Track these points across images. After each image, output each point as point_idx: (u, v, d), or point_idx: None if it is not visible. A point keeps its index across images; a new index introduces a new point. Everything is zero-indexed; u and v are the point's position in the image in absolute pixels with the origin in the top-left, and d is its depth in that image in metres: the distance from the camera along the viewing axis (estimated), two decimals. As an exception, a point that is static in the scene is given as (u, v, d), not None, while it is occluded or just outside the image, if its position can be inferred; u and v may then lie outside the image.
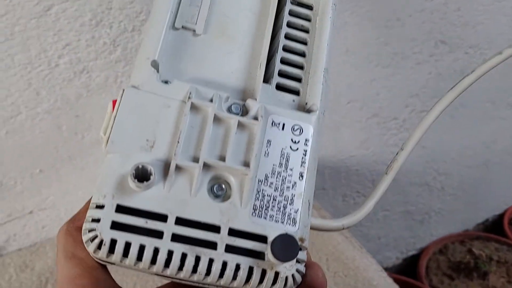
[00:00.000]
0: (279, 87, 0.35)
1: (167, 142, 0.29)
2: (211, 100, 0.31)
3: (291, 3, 0.38)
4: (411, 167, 1.07)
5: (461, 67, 0.95)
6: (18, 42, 0.57)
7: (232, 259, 0.28)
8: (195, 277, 0.28)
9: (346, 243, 0.61)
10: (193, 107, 0.31)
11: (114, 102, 0.30)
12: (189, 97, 0.31)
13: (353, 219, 0.40)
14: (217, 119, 0.31)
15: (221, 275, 0.28)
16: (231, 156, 0.30)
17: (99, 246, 0.27)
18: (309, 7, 0.38)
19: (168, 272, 0.27)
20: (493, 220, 1.34)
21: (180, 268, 0.27)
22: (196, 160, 0.29)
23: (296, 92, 0.35)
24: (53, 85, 0.62)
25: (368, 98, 0.89)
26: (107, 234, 0.27)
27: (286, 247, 0.27)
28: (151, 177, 0.28)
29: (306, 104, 0.34)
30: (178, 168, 0.29)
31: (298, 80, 0.35)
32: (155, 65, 0.32)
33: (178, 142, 0.29)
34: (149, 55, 0.32)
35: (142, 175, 0.28)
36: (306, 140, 0.32)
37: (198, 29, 0.35)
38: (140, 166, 0.28)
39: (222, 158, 0.30)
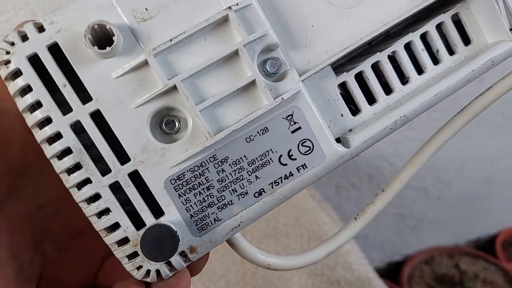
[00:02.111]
0: (343, 90, 0.27)
1: (165, 28, 0.23)
2: (252, 33, 0.23)
3: (449, 15, 0.27)
4: (411, 168, 1.03)
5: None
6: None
7: (108, 200, 0.23)
8: (61, 176, 0.23)
9: (332, 224, 0.58)
10: (224, 23, 0.23)
11: None
12: (237, 6, 0.23)
13: (287, 262, 0.29)
14: (235, 58, 0.24)
15: (87, 202, 0.23)
16: (213, 108, 0.24)
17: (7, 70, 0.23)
18: (467, 39, 0.28)
19: (44, 149, 0.23)
20: (485, 240, 1.31)
21: (58, 157, 0.23)
22: (173, 75, 0.23)
23: (353, 111, 0.27)
24: (51, 9, 0.59)
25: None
26: (19, 62, 0.22)
27: (160, 245, 0.23)
28: (112, 47, 0.22)
29: (348, 132, 0.26)
30: (145, 64, 0.23)
31: (370, 102, 0.27)
32: None
33: (171, 40, 0.23)
34: None
35: (104, 37, 0.22)
36: (304, 166, 0.25)
37: None
38: (108, 27, 0.22)
39: (201, 100, 0.23)
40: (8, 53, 0.22)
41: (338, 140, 0.26)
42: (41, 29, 0.22)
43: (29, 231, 0.27)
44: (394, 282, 1.14)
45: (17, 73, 0.23)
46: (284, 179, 0.25)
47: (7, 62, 0.22)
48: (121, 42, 0.22)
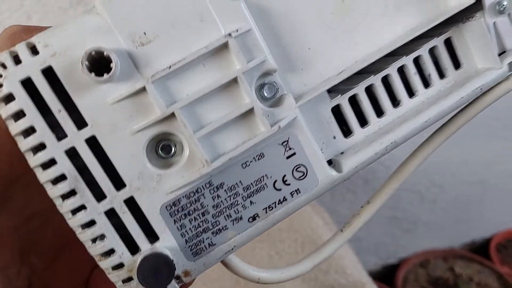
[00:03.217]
0: (337, 112, 0.26)
1: (164, 53, 0.22)
2: (251, 60, 0.23)
3: (442, 39, 0.27)
4: (406, 171, 1.03)
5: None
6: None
7: (103, 226, 0.23)
8: (55, 201, 0.22)
9: (326, 228, 0.58)
10: (223, 49, 0.23)
11: None
12: (236, 32, 0.22)
13: (276, 275, 0.29)
14: (233, 85, 0.23)
15: (82, 227, 0.23)
16: (210, 135, 0.23)
17: None
18: (457, 63, 0.28)
19: (37, 174, 0.22)
20: (479, 243, 1.31)
21: (52, 182, 0.22)
22: (171, 102, 0.22)
23: (345, 133, 0.26)
24: (46, 11, 0.59)
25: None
26: (11, 86, 0.21)
27: (156, 273, 0.22)
28: (110, 74, 0.21)
29: (340, 154, 0.26)
30: (143, 91, 0.22)
31: (362, 124, 0.27)
32: None
33: (170, 67, 0.22)
34: None
35: (101, 62, 0.21)
36: (297, 191, 0.25)
37: None
38: (106, 54, 0.21)
39: (198, 127, 0.23)
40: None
41: (329, 162, 0.26)
42: (34, 50, 0.21)
43: (16, 243, 0.27)
44: (389, 285, 1.14)
45: (9, 97, 0.21)
46: (278, 204, 0.25)
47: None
48: (119, 68, 0.21)
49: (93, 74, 0.21)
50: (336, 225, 0.63)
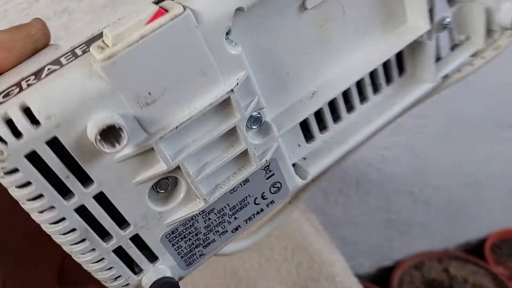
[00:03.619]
0: (304, 128, 0.28)
1: (169, 110, 0.21)
2: (248, 105, 0.24)
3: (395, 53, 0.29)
4: (398, 173, 1.03)
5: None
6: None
7: (112, 261, 0.24)
8: (64, 247, 0.23)
9: (316, 235, 0.58)
10: (226, 104, 0.23)
11: (160, 12, 0.20)
12: (237, 85, 0.22)
13: (233, 247, 0.32)
14: (231, 130, 0.24)
15: (91, 262, 0.24)
16: (208, 176, 0.24)
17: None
18: (402, 69, 0.30)
19: (45, 229, 0.22)
20: (474, 243, 1.31)
21: (63, 234, 0.22)
22: (175, 154, 0.23)
23: (306, 137, 0.29)
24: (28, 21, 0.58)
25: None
26: (16, 162, 0.20)
27: None
28: (123, 144, 0.20)
29: (302, 160, 0.28)
30: (150, 150, 0.22)
31: (320, 129, 0.29)
32: (237, 13, 0.22)
33: (177, 128, 0.22)
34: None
35: (109, 131, 0.20)
36: (272, 202, 0.28)
37: (309, 3, 0.24)
38: (117, 127, 0.19)
39: (198, 171, 0.24)
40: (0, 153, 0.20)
41: (293, 164, 0.28)
42: (33, 118, 0.19)
43: None
44: (384, 288, 1.14)
45: (14, 170, 0.20)
46: (256, 214, 0.28)
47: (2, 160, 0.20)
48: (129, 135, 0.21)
49: (106, 147, 0.19)
50: (327, 230, 0.62)
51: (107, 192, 0.22)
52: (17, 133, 0.19)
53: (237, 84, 0.22)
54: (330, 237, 0.63)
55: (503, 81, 0.96)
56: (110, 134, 0.20)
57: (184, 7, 0.19)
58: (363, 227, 1.13)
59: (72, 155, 0.20)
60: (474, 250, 1.28)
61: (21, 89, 0.20)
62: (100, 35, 0.22)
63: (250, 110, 0.24)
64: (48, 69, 0.21)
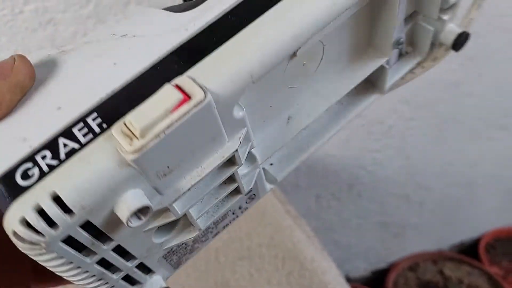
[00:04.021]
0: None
1: (183, 176, 0.22)
2: (245, 152, 0.25)
3: None
4: (391, 176, 1.03)
5: (456, 78, 0.91)
6: (-22, -22, 0.52)
7: (119, 286, 0.26)
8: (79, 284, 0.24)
9: (307, 242, 0.57)
10: (231, 163, 0.24)
11: (184, 99, 0.20)
12: (240, 143, 0.23)
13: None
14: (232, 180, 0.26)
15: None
16: (205, 213, 0.26)
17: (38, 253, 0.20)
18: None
19: (64, 276, 0.23)
20: (468, 244, 1.31)
21: (80, 280, 0.24)
22: (184, 206, 0.24)
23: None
24: (15, 33, 0.58)
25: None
26: (55, 249, 0.20)
27: None
28: (148, 217, 0.21)
29: (269, 165, 0.30)
30: (165, 210, 0.23)
31: None
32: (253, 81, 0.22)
33: (190, 189, 0.23)
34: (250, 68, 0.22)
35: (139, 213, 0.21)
36: (245, 208, 0.30)
37: (300, 51, 0.25)
38: (145, 207, 0.21)
39: (198, 212, 0.26)
40: (35, 243, 0.20)
41: None
42: (64, 207, 0.19)
43: None
44: (379, 291, 1.14)
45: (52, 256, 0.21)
46: (232, 220, 0.30)
47: (40, 248, 0.20)
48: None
49: (133, 223, 0.20)
50: (320, 235, 0.62)
51: (123, 243, 0.23)
52: (51, 223, 0.19)
53: (240, 142, 0.23)
54: (321, 243, 0.62)
55: (493, 83, 0.96)
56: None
57: (205, 92, 0.20)
58: (356, 230, 1.13)
59: (100, 229, 0.21)
60: (469, 250, 1.28)
61: (42, 171, 0.20)
62: (113, 102, 0.21)
63: (246, 155, 0.24)
64: (65, 144, 0.20)
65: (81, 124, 0.21)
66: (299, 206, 0.99)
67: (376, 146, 0.95)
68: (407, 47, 0.32)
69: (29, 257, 0.29)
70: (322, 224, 1.07)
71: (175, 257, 0.29)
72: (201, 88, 0.20)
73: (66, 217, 0.19)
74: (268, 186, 0.30)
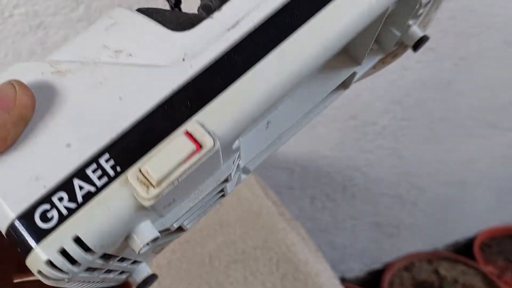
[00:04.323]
0: None
1: (184, 202, 0.24)
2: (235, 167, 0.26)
3: None
4: (384, 176, 1.03)
5: (448, 78, 0.91)
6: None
7: (112, 279, 0.28)
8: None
9: (302, 245, 0.57)
10: (224, 181, 0.25)
11: (196, 149, 0.21)
12: (233, 168, 0.25)
13: None
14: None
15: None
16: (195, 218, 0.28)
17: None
18: None
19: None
20: (463, 243, 1.31)
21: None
22: (180, 218, 0.25)
23: None
24: (5, 36, 0.57)
25: (348, 98, 0.85)
26: (76, 279, 0.22)
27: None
28: (153, 243, 0.23)
29: (247, 170, 0.32)
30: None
31: None
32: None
33: (187, 217, 0.26)
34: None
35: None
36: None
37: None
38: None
39: (190, 217, 0.27)
40: (59, 280, 0.21)
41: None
42: (84, 246, 0.21)
43: None
44: (374, 291, 1.14)
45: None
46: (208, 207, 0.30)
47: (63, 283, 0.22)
48: None
49: (143, 249, 0.22)
50: (314, 237, 0.62)
51: (125, 256, 0.24)
52: (73, 261, 0.21)
53: (234, 165, 0.25)
54: (316, 244, 0.62)
55: (485, 82, 0.96)
56: None
57: (214, 140, 0.21)
58: (351, 231, 1.13)
59: (112, 254, 0.23)
60: (463, 249, 1.28)
61: (61, 214, 0.21)
62: (124, 142, 0.22)
63: (235, 169, 0.26)
64: (80, 187, 0.21)
65: (94, 166, 0.21)
66: (294, 208, 0.99)
67: (370, 147, 0.95)
68: (373, 45, 0.33)
69: (14, 254, 0.30)
70: (317, 225, 1.07)
71: (159, 247, 0.31)
72: (211, 136, 0.21)
73: (87, 255, 0.21)
74: (244, 176, 0.31)
